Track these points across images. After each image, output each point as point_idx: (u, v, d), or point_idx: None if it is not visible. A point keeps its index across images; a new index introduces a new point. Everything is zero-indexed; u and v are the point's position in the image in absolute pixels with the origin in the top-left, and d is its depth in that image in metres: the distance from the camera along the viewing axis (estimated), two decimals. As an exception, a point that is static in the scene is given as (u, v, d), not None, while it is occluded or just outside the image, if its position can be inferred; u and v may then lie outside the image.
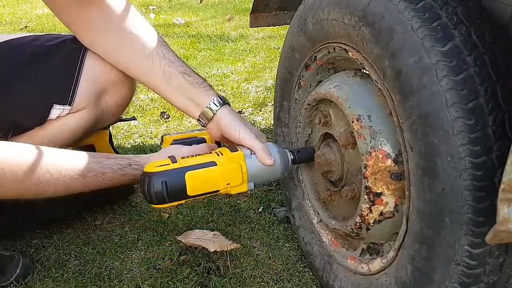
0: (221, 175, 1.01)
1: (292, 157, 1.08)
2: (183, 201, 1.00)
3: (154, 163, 1.00)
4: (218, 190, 1.02)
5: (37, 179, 0.98)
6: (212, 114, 1.14)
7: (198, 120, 1.18)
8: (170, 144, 1.27)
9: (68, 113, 1.20)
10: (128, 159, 1.11)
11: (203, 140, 1.30)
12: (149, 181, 0.97)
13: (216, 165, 1.01)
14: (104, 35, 1.17)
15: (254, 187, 1.06)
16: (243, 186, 1.04)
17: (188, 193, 0.99)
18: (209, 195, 1.02)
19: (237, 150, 1.06)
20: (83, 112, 1.22)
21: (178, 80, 1.15)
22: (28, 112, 1.18)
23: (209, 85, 1.18)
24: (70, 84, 1.19)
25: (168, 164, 0.99)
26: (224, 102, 1.15)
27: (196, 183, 0.99)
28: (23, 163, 0.96)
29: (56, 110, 1.19)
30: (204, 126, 1.18)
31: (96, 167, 1.06)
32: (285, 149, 1.09)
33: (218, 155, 1.04)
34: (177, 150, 1.12)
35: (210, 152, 1.08)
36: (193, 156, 1.04)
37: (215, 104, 1.14)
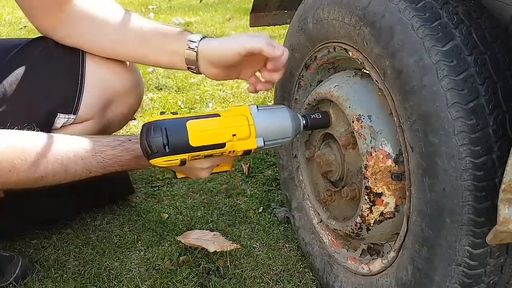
0: (225, 124, 0.94)
1: (304, 121, 1.01)
2: (186, 156, 0.91)
3: (155, 117, 0.93)
4: (224, 144, 0.93)
5: (35, 165, 0.94)
6: (195, 53, 1.05)
7: (188, 68, 1.09)
8: None
9: (73, 123, 1.16)
10: (128, 136, 1.06)
11: None
12: (147, 130, 0.90)
13: (220, 116, 0.95)
14: (74, 18, 1.11)
15: (264, 145, 0.96)
16: (251, 141, 0.95)
17: (190, 143, 0.90)
18: (215, 151, 0.93)
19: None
20: (88, 123, 1.18)
21: (154, 40, 1.10)
22: (32, 121, 1.15)
23: (183, 29, 1.11)
24: (75, 92, 1.15)
25: (169, 117, 0.93)
26: (203, 36, 1.07)
27: (199, 132, 0.91)
28: (17, 150, 0.93)
29: (61, 119, 1.15)
30: (196, 71, 1.09)
31: (94, 146, 1.01)
32: (297, 113, 1.02)
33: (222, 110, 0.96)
34: None
35: None
36: None
37: (193, 41, 1.06)
